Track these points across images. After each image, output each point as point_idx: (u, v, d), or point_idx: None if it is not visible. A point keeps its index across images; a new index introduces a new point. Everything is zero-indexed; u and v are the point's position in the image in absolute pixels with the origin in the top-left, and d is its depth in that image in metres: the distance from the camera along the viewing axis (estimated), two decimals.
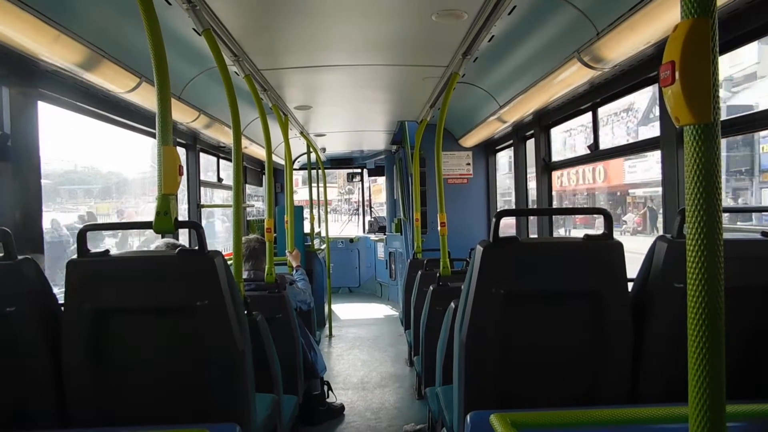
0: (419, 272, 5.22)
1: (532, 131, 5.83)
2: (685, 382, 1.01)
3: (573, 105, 4.73)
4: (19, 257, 2.18)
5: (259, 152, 7.65)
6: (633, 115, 22.00)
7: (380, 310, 10.15)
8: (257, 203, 9.98)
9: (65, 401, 2.20)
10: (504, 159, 9.50)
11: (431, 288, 4.22)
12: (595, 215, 3.01)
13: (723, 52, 2.86)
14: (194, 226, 2.42)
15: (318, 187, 9.76)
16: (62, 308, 2.23)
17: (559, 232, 17.40)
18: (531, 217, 6.52)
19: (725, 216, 1.44)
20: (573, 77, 3.83)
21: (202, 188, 6.11)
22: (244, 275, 4.29)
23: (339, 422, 4.87)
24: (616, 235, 2.34)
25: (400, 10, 3.41)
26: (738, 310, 2.09)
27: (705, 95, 0.96)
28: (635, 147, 4.43)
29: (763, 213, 11.82)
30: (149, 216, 2.27)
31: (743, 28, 2.69)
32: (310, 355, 4.45)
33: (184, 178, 5.06)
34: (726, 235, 1.01)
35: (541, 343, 2.36)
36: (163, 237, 3.83)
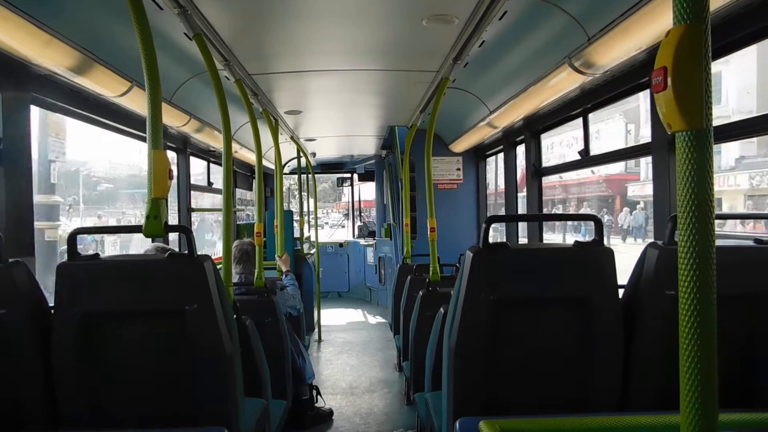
0: (409, 277, 5.21)
1: (522, 137, 5.84)
2: (676, 389, 1.01)
3: (564, 110, 4.74)
4: (10, 260, 2.18)
5: (250, 157, 7.62)
6: None
7: (369, 315, 10.13)
8: (248, 207, 9.95)
9: (56, 403, 2.20)
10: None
11: (420, 293, 4.22)
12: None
13: (716, 57, 2.87)
14: (184, 229, 2.41)
15: (308, 191, 9.74)
16: (52, 311, 2.22)
17: None
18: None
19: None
20: (564, 83, 3.83)
21: (198, 192, 6.10)
22: (235, 279, 4.27)
23: (328, 427, 4.84)
24: None
25: (391, 14, 3.40)
26: (730, 318, 2.10)
27: (697, 101, 0.96)
28: (626, 153, 4.43)
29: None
30: None
31: (736, 34, 2.70)
32: (298, 361, 4.43)
33: (174, 181, 5.04)
34: (718, 242, 1.01)
35: (531, 349, 2.36)
36: (153, 241, 3.82)
